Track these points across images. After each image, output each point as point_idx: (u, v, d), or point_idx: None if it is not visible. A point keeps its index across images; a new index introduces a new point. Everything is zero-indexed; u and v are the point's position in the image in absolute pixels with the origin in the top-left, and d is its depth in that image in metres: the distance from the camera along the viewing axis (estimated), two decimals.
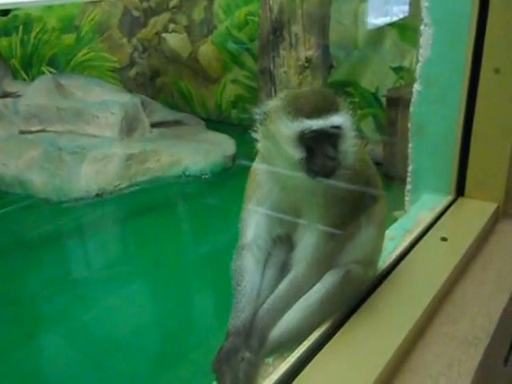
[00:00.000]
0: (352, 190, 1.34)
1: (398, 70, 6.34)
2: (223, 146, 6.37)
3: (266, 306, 1.35)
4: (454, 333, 1.43)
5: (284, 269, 1.40)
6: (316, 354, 1.32)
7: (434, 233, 1.83)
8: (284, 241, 1.41)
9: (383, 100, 5.88)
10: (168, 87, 9.21)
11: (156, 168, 5.91)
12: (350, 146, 1.29)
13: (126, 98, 6.53)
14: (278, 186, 1.35)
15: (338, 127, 1.26)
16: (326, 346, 1.34)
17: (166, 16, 8.79)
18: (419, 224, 1.92)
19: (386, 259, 1.63)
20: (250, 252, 1.39)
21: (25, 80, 8.01)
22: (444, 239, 1.78)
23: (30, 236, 5.24)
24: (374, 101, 6.41)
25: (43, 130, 6.17)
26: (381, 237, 1.54)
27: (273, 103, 1.32)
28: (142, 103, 6.88)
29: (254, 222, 1.37)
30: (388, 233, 1.70)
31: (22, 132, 6.15)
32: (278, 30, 4.25)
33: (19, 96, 6.35)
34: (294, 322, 1.35)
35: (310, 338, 1.35)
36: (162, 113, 7.42)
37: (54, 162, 5.75)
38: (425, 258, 1.70)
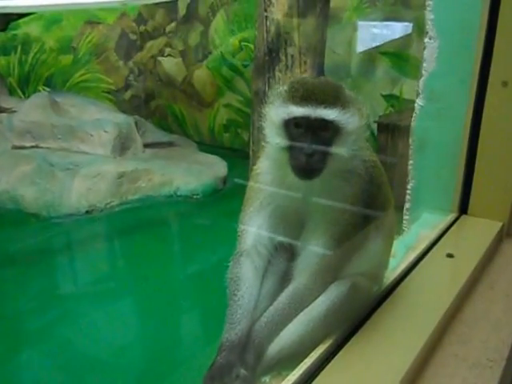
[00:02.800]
0: (361, 198, 1.24)
1: (388, 97, 6.39)
2: (215, 167, 6.32)
3: (264, 319, 1.24)
4: (465, 354, 1.33)
5: (285, 279, 1.30)
6: (318, 373, 1.21)
7: (439, 249, 1.75)
8: (286, 249, 1.31)
9: (374, 127, 5.88)
10: (162, 110, 9.21)
11: (147, 187, 5.83)
12: (347, 148, 1.18)
13: (120, 117, 6.49)
14: (281, 188, 1.26)
15: (329, 121, 1.15)
16: (329, 364, 1.23)
17: (162, 40, 8.85)
18: (422, 241, 1.84)
19: (389, 276, 1.54)
20: (249, 259, 1.29)
21: (21, 98, 7.96)
22: (450, 256, 1.69)
23: (19, 251, 5.14)
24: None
25: (36, 146, 6.10)
26: (388, 249, 1.45)
27: (278, 88, 1.24)
28: (136, 124, 6.85)
29: (256, 227, 1.27)
30: None
31: (16, 147, 6.07)
32: (273, 51, 4.24)
33: (14, 112, 6.28)
34: (295, 337, 1.24)
35: (311, 355, 1.24)
36: (156, 134, 7.39)
37: (46, 178, 5.66)
38: (431, 274, 1.62)
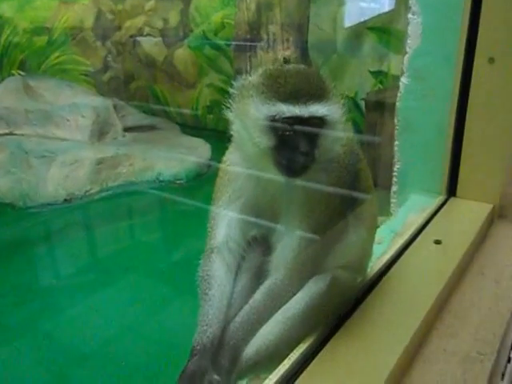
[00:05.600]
0: (339, 186, 1.15)
1: (376, 74, 6.26)
2: (198, 150, 6.18)
3: (238, 319, 1.16)
4: (455, 348, 1.25)
5: (260, 275, 1.21)
6: (298, 375, 1.13)
7: (426, 235, 1.67)
8: (260, 243, 1.22)
9: (362, 104, 5.78)
10: (143, 91, 8.98)
11: (128, 173, 5.67)
12: (333, 138, 1.10)
13: (97, 101, 6.29)
14: (253, 179, 1.16)
15: (319, 118, 1.07)
16: (310, 365, 1.16)
17: (141, 19, 8.58)
18: (409, 226, 1.76)
19: (374, 264, 1.45)
20: (219, 256, 1.20)
21: None
22: (438, 242, 1.61)
23: None
24: (353, 105, 6.30)
25: (10, 133, 5.88)
26: (371, 239, 1.36)
27: (250, 78, 1.14)
28: (115, 107, 6.65)
29: (225, 222, 1.18)
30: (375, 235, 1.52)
31: None
32: (254, 29, 4.09)
33: None
34: (272, 337, 1.16)
35: (290, 356, 1.16)
36: (136, 117, 7.20)
37: (21, 166, 5.47)
38: (418, 262, 1.54)
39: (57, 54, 8.66)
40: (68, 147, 5.67)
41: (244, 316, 1.16)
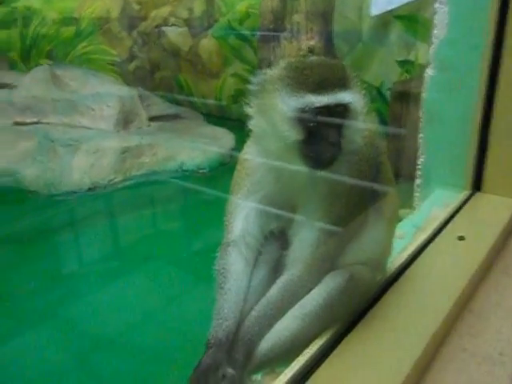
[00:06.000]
0: (359, 179, 1.13)
1: (403, 63, 6.12)
2: (222, 140, 6.17)
3: (254, 313, 1.15)
4: (475, 348, 1.22)
5: (277, 269, 1.20)
6: (314, 370, 1.12)
7: (449, 231, 1.62)
8: (277, 237, 1.21)
9: (388, 94, 5.67)
10: (168, 81, 9.02)
11: (152, 162, 5.71)
12: (357, 129, 1.09)
13: (122, 90, 6.33)
14: (272, 173, 1.15)
15: (345, 106, 1.06)
16: (326, 361, 1.14)
17: (166, 9, 8.59)
18: (432, 221, 1.71)
19: (395, 260, 1.42)
20: (236, 250, 1.19)
21: (22, 72, 7.82)
22: (461, 238, 1.57)
23: (19, 230, 5.07)
24: (378, 95, 6.19)
25: (37, 122, 5.98)
26: (391, 235, 1.33)
27: (272, 72, 1.12)
28: (140, 96, 6.69)
29: (243, 216, 1.17)
30: (396, 231, 1.49)
31: (17, 123, 5.96)
32: (279, 18, 4.03)
33: (15, 87, 6.15)
34: (288, 332, 1.14)
35: (306, 351, 1.15)
36: (161, 106, 7.23)
37: (47, 155, 5.56)
38: (440, 259, 1.50)
39: (84, 44, 8.77)
40: (93, 136, 5.73)
41: (260, 310, 1.15)
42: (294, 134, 1.06)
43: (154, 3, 8.70)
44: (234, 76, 8.08)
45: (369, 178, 1.16)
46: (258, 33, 4.67)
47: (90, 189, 5.39)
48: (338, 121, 1.06)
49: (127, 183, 5.62)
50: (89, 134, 5.78)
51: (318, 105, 1.05)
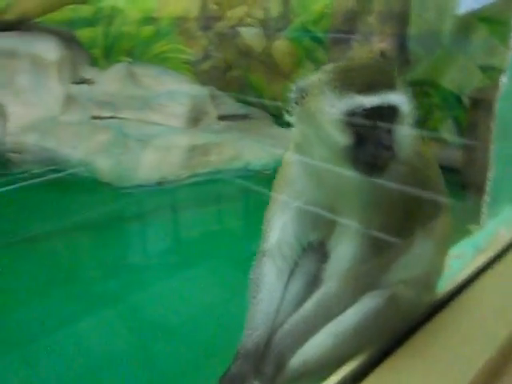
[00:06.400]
0: (407, 193, 1.05)
1: (486, 69, 5.76)
2: (289, 142, 6.12)
3: (287, 327, 1.10)
4: None
5: (314, 283, 1.14)
6: None
7: None
8: (316, 249, 1.15)
9: (466, 101, 5.36)
10: (240, 81, 9.11)
11: (218, 161, 5.80)
12: (406, 134, 1.02)
13: (194, 89, 6.48)
14: (314, 181, 1.10)
15: (395, 108, 0.99)
16: (361, 383, 1.06)
17: (242, 9, 8.68)
18: (496, 243, 1.57)
19: (447, 281, 1.32)
20: (271, 260, 1.16)
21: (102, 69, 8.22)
22: None
23: (91, 218, 5.33)
24: (456, 102, 5.87)
25: (113, 117, 6.25)
26: (442, 255, 1.23)
27: (315, 77, 1.08)
28: (211, 95, 6.81)
29: (280, 225, 1.14)
30: (454, 249, 1.38)
31: (94, 117, 6.27)
32: (351, 19, 3.92)
33: (94, 83, 6.47)
34: (321, 349, 1.09)
35: (339, 372, 1.08)
36: (231, 106, 7.32)
37: (120, 148, 5.80)
38: (502, 285, 1.37)
39: (162, 43, 9.06)
40: (163, 132, 5.91)
41: (293, 324, 1.11)
42: (344, 139, 1.01)
43: (231, 3, 8.83)
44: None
45: (420, 192, 1.07)
46: (330, 35, 4.58)
47: (157, 183, 5.56)
48: (388, 122, 1.00)
49: (193, 180, 5.75)
50: (160, 131, 5.97)
51: (367, 105, 1.00)
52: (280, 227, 1.15)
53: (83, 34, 8.38)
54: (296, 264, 1.19)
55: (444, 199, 1.19)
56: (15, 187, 5.49)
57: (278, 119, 7.62)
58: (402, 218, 1.08)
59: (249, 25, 8.61)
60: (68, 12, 7.92)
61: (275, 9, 8.21)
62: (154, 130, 5.95)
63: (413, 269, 1.14)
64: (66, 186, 5.74)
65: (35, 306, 3.85)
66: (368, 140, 1.01)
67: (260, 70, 8.62)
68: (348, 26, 3.94)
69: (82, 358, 3.32)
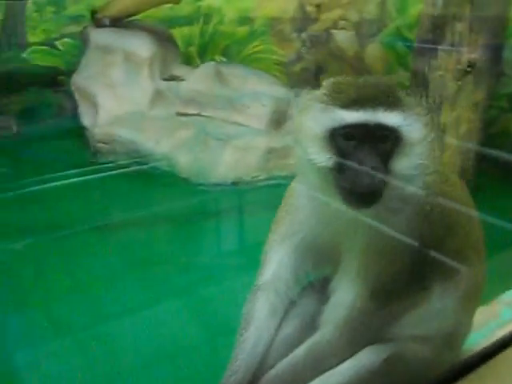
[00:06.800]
0: (421, 234, 0.91)
1: None
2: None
3: (273, 372, 1.01)
4: None
5: (311, 326, 1.03)
6: None
7: None
8: (317, 289, 1.04)
9: None
10: None
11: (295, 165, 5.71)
12: (411, 166, 0.87)
13: (280, 91, 6.44)
14: (315, 213, 0.99)
15: (390, 129, 0.85)
16: None
17: (337, 12, 8.51)
18: None
19: (476, 342, 1.14)
20: (264, 296, 1.08)
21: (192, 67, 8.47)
22: None
23: (168, 211, 5.51)
24: None
25: (197, 114, 6.40)
26: (469, 310, 1.06)
27: (311, 92, 0.98)
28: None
29: (277, 258, 1.05)
30: (505, 295, 1.20)
31: (179, 114, 6.46)
32: (438, 27, 3.64)
33: (183, 80, 6.67)
34: None
35: None
36: None
37: (200, 146, 5.93)
38: None
39: (255, 44, 9.15)
40: (244, 133, 5.95)
41: (279, 370, 1.01)
42: (324, 159, 0.89)
43: (327, 6, 8.68)
44: (397, 85, 7.66)
45: (432, 237, 0.92)
46: (416, 43, 4.32)
47: (233, 183, 5.61)
48: (381, 146, 0.85)
49: (268, 182, 5.74)
50: (240, 131, 6.01)
51: (350, 122, 0.88)
52: (277, 261, 1.07)
53: (180, 32, 8.70)
54: (293, 303, 1.09)
55: (474, 242, 1.02)
56: (101, 176, 5.83)
57: None
58: (413, 265, 0.94)
59: (342, 28, 8.41)
60: (167, 10, 8.26)
61: (370, 12, 7.95)
62: (234, 130, 6.01)
63: (430, 324, 0.99)
64: (148, 178, 5.99)
65: (109, 289, 4.03)
66: (352, 162, 0.90)
67: (351, 74, 8.39)
68: (434, 34, 3.66)
69: (150, 344, 3.43)
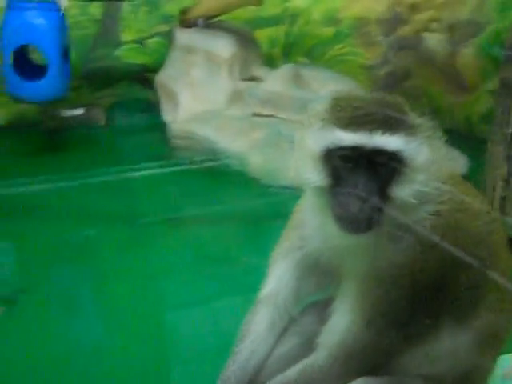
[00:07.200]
0: (423, 263, 0.82)
1: None
2: (450, 162, 5.55)
3: None
4: None
5: (309, 346, 0.98)
6: None
7: None
8: (319, 309, 0.99)
9: None
10: (415, 91, 8.54)
11: None
12: (413, 188, 0.79)
13: None
14: (319, 231, 0.94)
15: (390, 153, 0.78)
16: None
17: (429, 14, 8.11)
18: None
19: None
20: (264, 310, 1.07)
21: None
22: None
23: (235, 210, 5.59)
24: None
25: (272, 116, 6.41)
26: (488, 354, 0.94)
27: (317, 107, 0.93)
28: None
29: (278, 274, 1.02)
30: None
31: (255, 114, 6.51)
32: None
33: (262, 81, 6.72)
34: None
35: None
36: None
37: (273, 148, 5.94)
38: None
39: (340, 46, 8.97)
40: None
41: None
42: (319, 179, 0.83)
43: (418, 7, 8.30)
44: (490, 93, 7.14)
45: (441, 273, 0.82)
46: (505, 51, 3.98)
47: (299, 188, 5.54)
48: (379, 170, 0.78)
49: None
50: None
51: (346, 144, 0.83)
52: (278, 275, 1.04)
53: (265, 33, 8.75)
54: (293, 319, 1.04)
55: (497, 276, 0.90)
56: (176, 170, 6.04)
57: (452, 134, 6.94)
58: (415, 298, 0.85)
59: (434, 30, 8.00)
60: (253, 11, 8.35)
61: (466, 14, 7.47)
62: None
63: (438, 364, 0.89)
64: (219, 175, 6.11)
65: (175, 280, 4.15)
66: (346, 186, 0.86)
67: (438, 80, 7.96)
68: None
69: (207, 338, 3.51)
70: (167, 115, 6.51)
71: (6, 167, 6.08)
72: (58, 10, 5.54)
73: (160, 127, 6.75)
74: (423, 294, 0.90)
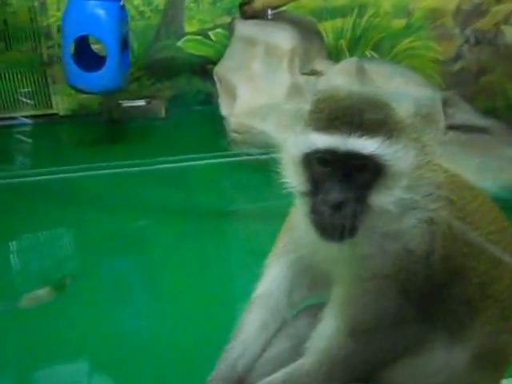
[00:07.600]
0: (411, 273, 0.80)
1: None
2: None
3: None
4: None
5: (300, 349, 0.97)
6: None
7: None
8: (314, 313, 1.00)
9: None
10: (492, 88, 7.96)
11: None
12: (395, 195, 0.79)
13: (424, 92, 5.91)
14: (310, 235, 0.94)
15: (368, 157, 0.78)
16: None
17: (511, 4, 7.49)
18: None
19: None
20: (256, 309, 1.06)
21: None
22: None
23: (281, 204, 5.47)
24: None
25: None
26: (489, 371, 0.89)
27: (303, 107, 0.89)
28: (446, 101, 6.11)
29: (271, 275, 1.04)
30: None
31: None
32: None
33: (323, 75, 6.50)
34: None
35: None
36: (468, 116, 6.46)
37: None
38: None
39: (411, 39, 8.55)
40: None
41: None
42: (298, 183, 0.89)
43: None
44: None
45: (429, 275, 0.80)
46: None
47: None
48: (357, 176, 0.78)
49: None
50: None
51: (319, 146, 0.81)
52: (272, 277, 1.05)
53: (330, 24, 8.48)
54: (286, 321, 1.05)
55: (503, 296, 0.79)
56: (232, 163, 6.00)
57: None
58: (402, 310, 0.82)
59: None
60: (320, 1, 8.11)
61: None
62: None
63: (431, 379, 0.85)
64: (270, 168, 6.00)
65: (226, 273, 4.15)
66: (322, 192, 0.83)
67: None
68: None
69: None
70: (224, 108, 6.45)
71: (67, 155, 6.30)
72: (118, 0, 5.60)
73: (219, 120, 6.74)
74: (412, 305, 0.84)
